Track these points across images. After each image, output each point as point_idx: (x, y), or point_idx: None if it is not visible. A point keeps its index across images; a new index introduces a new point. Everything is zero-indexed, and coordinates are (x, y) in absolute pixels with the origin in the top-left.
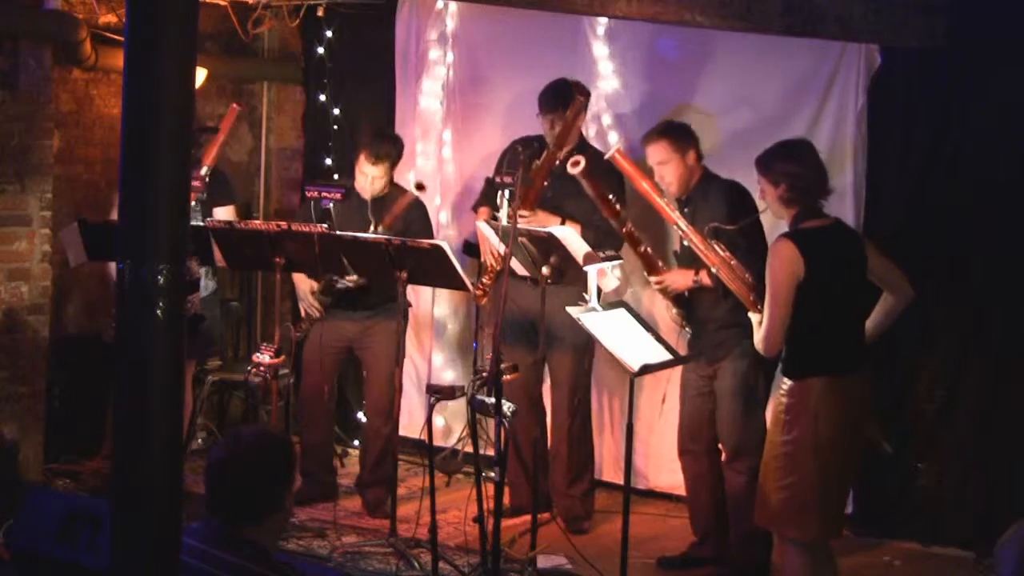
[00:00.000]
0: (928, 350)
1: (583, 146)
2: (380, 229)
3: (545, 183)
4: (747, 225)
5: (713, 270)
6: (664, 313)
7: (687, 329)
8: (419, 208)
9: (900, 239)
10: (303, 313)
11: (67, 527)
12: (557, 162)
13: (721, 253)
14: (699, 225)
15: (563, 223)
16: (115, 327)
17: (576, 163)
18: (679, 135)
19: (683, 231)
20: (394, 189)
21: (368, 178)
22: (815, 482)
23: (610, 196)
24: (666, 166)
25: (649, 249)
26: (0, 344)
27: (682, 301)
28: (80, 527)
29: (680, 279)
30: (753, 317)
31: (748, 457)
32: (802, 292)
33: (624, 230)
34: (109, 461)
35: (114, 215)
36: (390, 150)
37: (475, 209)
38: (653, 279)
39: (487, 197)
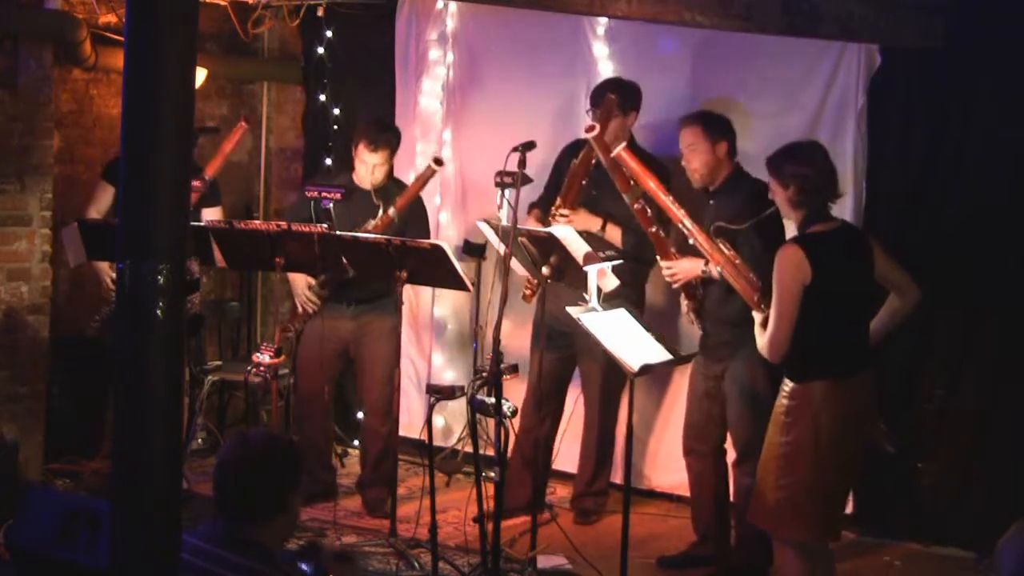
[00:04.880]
0: (928, 350)
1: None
2: (392, 212)
3: (584, 182)
4: (761, 224)
5: (717, 269)
6: (663, 308)
7: (699, 327)
8: (418, 205)
9: (900, 239)
10: (299, 309)
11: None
12: (592, 161)
13: (726, 252)
14: (722, 219)
15: (604, 225)
16: (97, 323)
17: (591, 128)
18: (712, 124)
19: (688, 230)
20: (394, 184)
21: (368, 167)
22: (812, 484)
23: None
24: (694, 152)
25: (661, 232)
26: (0, 344)
27: (695, 294)
28: (80, 527)
29: (690, 267)
30: (757, 317)
31: (756, 460)
32: (808, 296)
33: (635, 206)
34: (109, 461)
35: (92, 212)
36: (389, 137)
37: (529, 212)
38: (664, 264)
39: (545, 201)
